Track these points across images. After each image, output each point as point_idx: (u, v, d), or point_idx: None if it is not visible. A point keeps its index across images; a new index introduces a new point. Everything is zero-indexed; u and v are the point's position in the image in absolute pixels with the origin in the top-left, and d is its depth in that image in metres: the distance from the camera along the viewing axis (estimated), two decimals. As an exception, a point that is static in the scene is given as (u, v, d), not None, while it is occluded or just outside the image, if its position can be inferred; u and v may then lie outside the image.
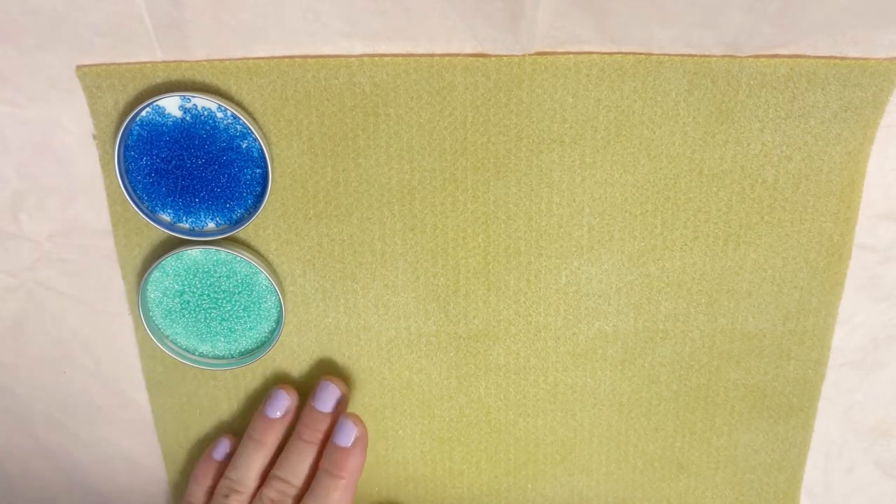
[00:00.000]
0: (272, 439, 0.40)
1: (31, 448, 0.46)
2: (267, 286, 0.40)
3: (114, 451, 0.46)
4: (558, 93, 0.36)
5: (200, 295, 0.40)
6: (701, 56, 0.36)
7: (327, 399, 0.40)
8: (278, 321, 0.41)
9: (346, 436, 0.39)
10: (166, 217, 0.38)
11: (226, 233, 0.38)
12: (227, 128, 0.37)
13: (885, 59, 0.36)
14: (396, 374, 0.43)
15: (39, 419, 0.45)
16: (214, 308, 0.40)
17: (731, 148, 0.38)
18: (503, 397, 0.43)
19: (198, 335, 0.41)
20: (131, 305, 0.41)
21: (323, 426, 0.40)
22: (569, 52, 0.36)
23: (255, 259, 0.39)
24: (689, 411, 0.44)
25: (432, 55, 0.36)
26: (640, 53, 0.36)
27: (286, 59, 0.36)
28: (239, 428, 0.44)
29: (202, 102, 0.36)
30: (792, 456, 0.45)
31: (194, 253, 0.39)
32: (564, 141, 0.38)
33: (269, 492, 0.39)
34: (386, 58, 0.36)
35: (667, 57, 0.36)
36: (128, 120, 0.36)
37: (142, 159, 0.37)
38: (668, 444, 0.45)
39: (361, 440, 0.40)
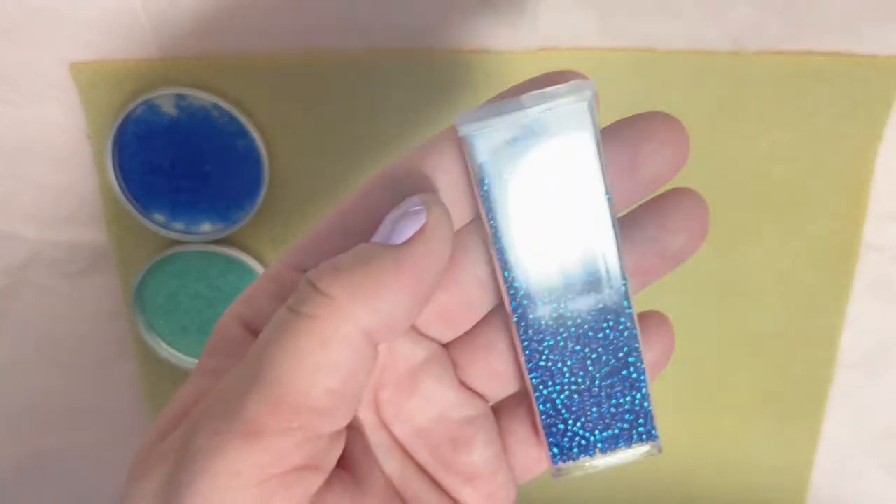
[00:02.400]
0: None
1: (26, 451, 0.46)
2: (264, 287, 0.40)
3: (109, 454, 0.46)
4: (560, 90, 0.36)
5: (196, 296, 0.40)
6: (706, 52, 0.35)
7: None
8: (276, 323, 0.40)
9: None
10: (161, 217, 0.38)
11: (221, 233, 0.38)
12: (223, 126, 0.36)
13: (893, 56, 0.35)
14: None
15: (34, 421, 0.45)
16: (210, 309, 0.40)
17: (737, 146, 0.37)
18: (504, 400, 0.43)
19: (193, 336, 0.41)
20: (126, 306, 0.41)
21: None
22: (572, 48, 0.35)
23: (251, 260, 0.39)
24: (694, 413, 0.43)
25: (432, 50, 0.35)
26: (644, 49, 0.35)
27: (283, 56, 0.35)
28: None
29: (198, 100, 0.36)
30: (799, 459, 0.44)
31: (189, 253, 0.39)
32: (567, 139, 0.37)
33: None
34: (384, 54, 0.35)
35: (671, 52, 0.35)
36: (122, 118, 0.35)
37: (136, 158, 0.37)
38: (673, 447, 0.44)
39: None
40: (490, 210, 0.19)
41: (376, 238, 0.18)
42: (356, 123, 0.37)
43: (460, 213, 0.20)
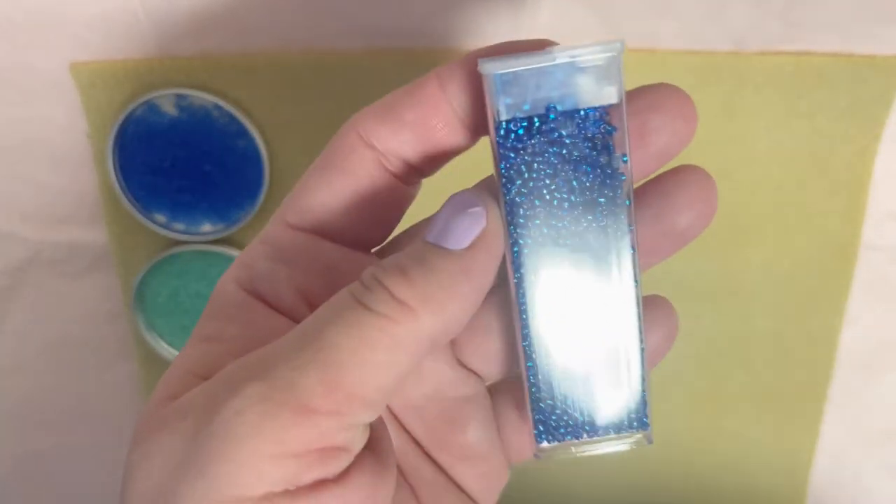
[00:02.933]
0: None
1: (26, 451, 0.46)
2: (264, 287, 0.39)
3: (109, 455, 0.46)
4: (561, 90, 0.36)
5: (196, 296, 0.40)
6: (706, 52, 0.35)
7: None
8: (276, 323, 0.40)
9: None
10: (161, 217, 0.38)
11: (221, 233, 0.38)
12: (223, 126, 0.36)
13: (893, 56, 0.35)
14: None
15: (34, 421, 0.45)
16: (210, 309, 0.40)
17: (736, 147, 0.37)
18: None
19: (194, 337, 0.41)
20: (126, 306, 0.41)
21: None
22: (571, 49, 0.35)
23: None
24: (694, 413, 0.43)
25: (432, 50, 0.35)
26: (644, 49, 0.35)
27: (284, 56, 0.35)
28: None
29: (198, 100, 0.36)
30: (799, 459, 0.44)
31: (190, 253, 0.39)
32: (567, 139, 0.37)
33: None
34: (385, 53, 0.35)
35: (671, 52, 0.35)
36: (122, 118, 0.35)
37: (136, 158, 0.37)
38: (673, 448, 0.44)
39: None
40: (503, 157, 0.19)
41: (431, 237, 0.18)
42: (356, 123, 0.37)
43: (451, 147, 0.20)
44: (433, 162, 0.20)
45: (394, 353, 0.17)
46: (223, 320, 0.20)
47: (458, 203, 0.19)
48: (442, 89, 0.19)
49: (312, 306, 0.20)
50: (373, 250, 0.22)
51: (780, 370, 0.42)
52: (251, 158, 0.37)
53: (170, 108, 0.36)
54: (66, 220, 0.39)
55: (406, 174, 0.20)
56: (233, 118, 0.36)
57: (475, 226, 0.18)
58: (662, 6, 0.34)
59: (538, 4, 0.34)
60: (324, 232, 0.20)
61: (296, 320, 0.20)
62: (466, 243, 0.18)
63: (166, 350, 0.41)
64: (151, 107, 0.36)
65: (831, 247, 0.39)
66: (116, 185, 0.37)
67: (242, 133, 0.36)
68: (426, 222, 0.20)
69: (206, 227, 0.38)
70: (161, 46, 0.35)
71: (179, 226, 0.38)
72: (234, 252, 0.38)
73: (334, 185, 0.20)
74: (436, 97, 0.19)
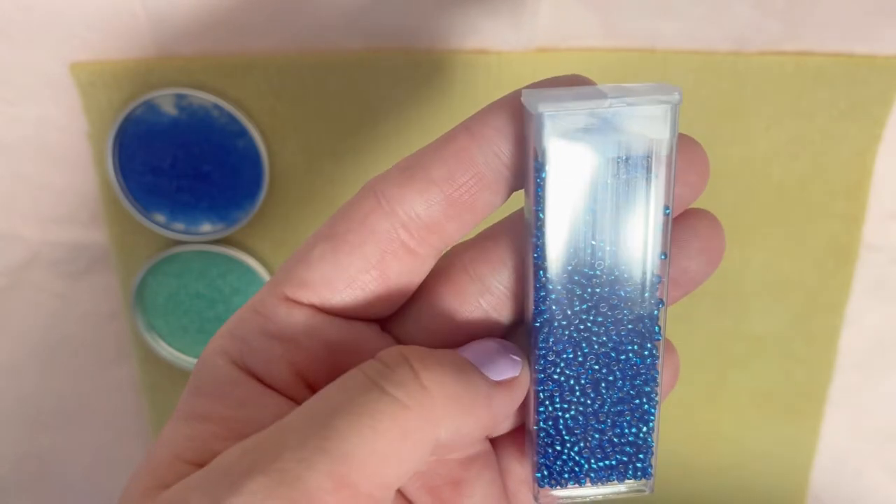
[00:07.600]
0: None
1: (25, 451, 0.46)
2: (264, 287, 0.39)
3: (108, 455, 0.46)
4: (561, 90, 0.36)
5: (196, 296, 0.40)
6: (706, 52, 0.35)
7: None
8: (276, 323, 0.40)
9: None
10: (161, 217, 0.38)
11: (221, 233, 0.38)
12: (223, 126, 0.36)
13: (893, 56, 0.35)
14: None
15: (33, 422, 0.45)
16: (210, 309, 0.40)
17: (736, 147, 0.37)
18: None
19: (193, 336, 0.41)
20: (126, 306, 0.41)
21: None
22: (572, 48, 0.35)
23: (251, 260, 0.39)
24: (694, 413, 0.43)
25: (432, 51, 0.35)
26: (645, 49, 0.35)
27: (283, 55, 0.35)
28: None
29: (198, 100, 0.36)
30: (799, 460, 0.44)
31: (189, 253, 0.39)
32: (567, 139, 0.37)
33: None
34: (385, 53, 0.35)
35: (672, 52, 0.35)
36: (122, 118, 0.35)
37: (136, 158, 0.37)
38: (674, 449, 0.44)
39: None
40: (541, 199, 0.18)
41: (472, 357, 0.18)
42: (356, 123, 0.37)
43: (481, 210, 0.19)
44: (463, 224, 0.19)
45: (403, 445, 0.16)
46: (212, 398, 0.19)
47: (503, 346, 0.19)
48: (473, 139, 0.18)
49: (309, 384, 0.19)
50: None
51: (780, 370, 0.42)
52: (251, 158, 0.37)
53: (170, 108, 0.36)
54: (66, 220, 0.39)
55: (430, 244, 0.19)
56: (233, 118, 0.36)
57: (512, 370, 0.18)
58: (662, 6, 0.34)
59: (538, 4, 0.34)
60: (324, 308, 0.19)
61: (291, 398, 0.19)
62: (499, 378, 0.18)
63: (166, 350, 0.41)
64: (151, 107, 0.36)
65: (831, 247, 0.39)
66: (116, 185, 0.37)
67: (242, 133, 0.36)
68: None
69: (206, 227, 0.38)
70: (161, 46, 0.35)
71: (179, 226, 0.38)
72: (233, 252, 0.38)
73: (339, 261, 0.18)
74: (467, 149, 0.18)
